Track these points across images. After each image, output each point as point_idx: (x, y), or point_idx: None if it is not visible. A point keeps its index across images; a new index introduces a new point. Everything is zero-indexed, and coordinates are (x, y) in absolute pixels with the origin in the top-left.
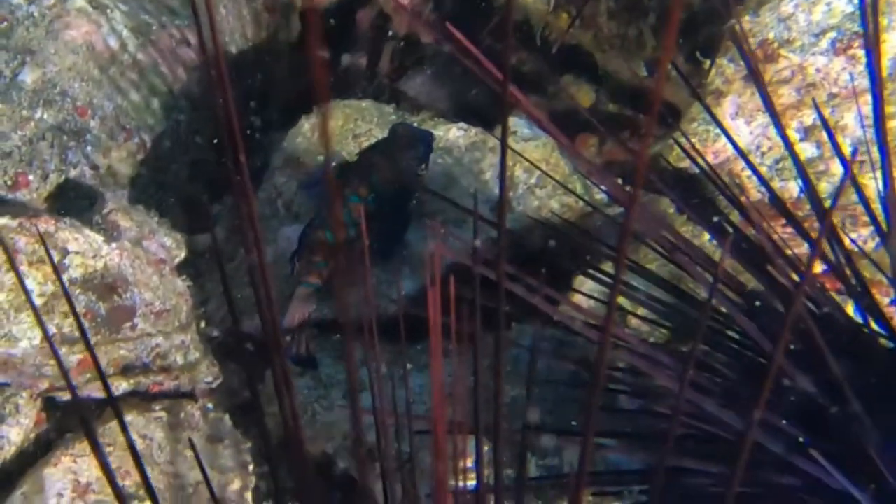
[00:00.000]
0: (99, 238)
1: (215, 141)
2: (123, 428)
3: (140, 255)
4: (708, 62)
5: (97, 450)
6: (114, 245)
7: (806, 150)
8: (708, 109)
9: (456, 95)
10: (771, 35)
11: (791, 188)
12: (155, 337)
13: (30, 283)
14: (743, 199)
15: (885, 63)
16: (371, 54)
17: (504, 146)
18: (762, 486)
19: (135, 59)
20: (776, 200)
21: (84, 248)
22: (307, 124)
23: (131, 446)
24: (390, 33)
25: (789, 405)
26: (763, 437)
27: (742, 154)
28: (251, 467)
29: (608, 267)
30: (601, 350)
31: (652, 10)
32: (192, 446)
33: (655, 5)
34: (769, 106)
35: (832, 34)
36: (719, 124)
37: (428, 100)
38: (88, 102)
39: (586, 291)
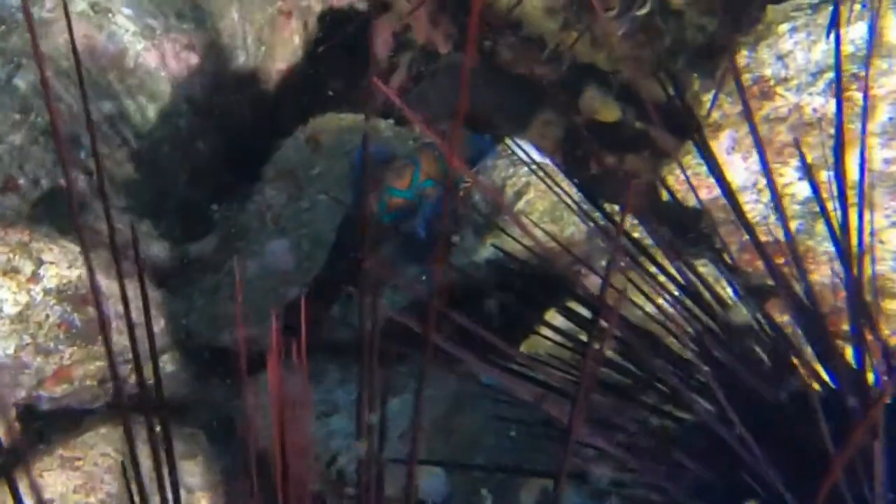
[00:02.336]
0: (75, 248)
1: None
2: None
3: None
4: (707, 96)
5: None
6: (90, 255)
7: (804, 189)
8: (699, 145)
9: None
10: (768, 72)
11: (789, 228)
12: (132, 347)
13: (3, 293)
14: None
15: (884, 107)
16: (388, 63)
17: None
18: None
19: (136, 62)
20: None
21: (59, 258)
22: (301, 136)
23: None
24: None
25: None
26: None
27: (725, 192)
28: (222, 487)
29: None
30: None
31: (668, 32)
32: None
33: (672, 28)
34: (756, 136)
35: (830, 75)
36: (708, 162)
37: (437, 110)
38: (84, 107)
39: (557, 325)
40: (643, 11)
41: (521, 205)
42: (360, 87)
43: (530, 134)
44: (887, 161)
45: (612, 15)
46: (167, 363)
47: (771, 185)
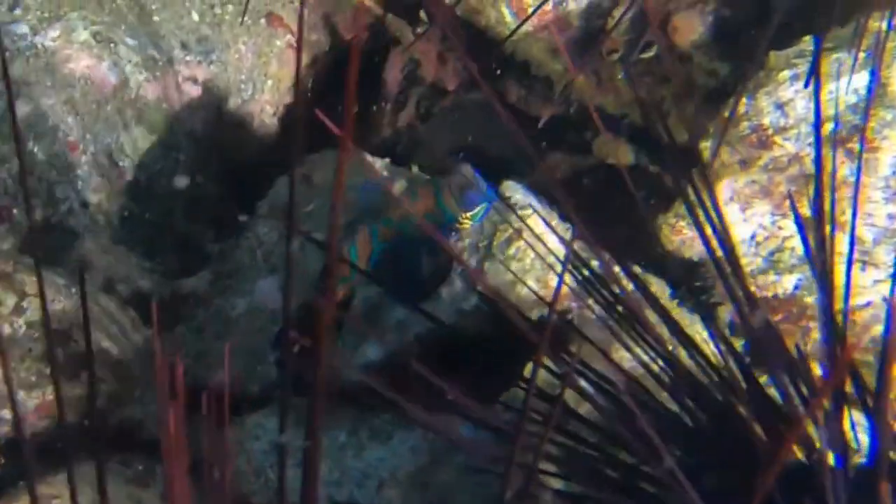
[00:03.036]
0: (59, 281)
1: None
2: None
3: (102, 302)
4: (706, 144)
5: None
6: (73, 290)
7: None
8: (697, 194)
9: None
10: (766, 121)
11: (786, 283)
12: (111, 385)
13: None
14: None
15: (886, 160)
16: (397, 99)
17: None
18: None
19: (136, 94)
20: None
21: (43, 291)
22: (297, 173)
23: None
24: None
25: None
26: None
27: (709, 249)
28: None
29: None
30: None
31: (674, 76)
32: None
33: (679, 71)
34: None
35: (829, 125)
36: (706, 210)
37: (444, 148)
38: (82, 137)
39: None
40: (648, 55)
41: (510, 251)
42: (367, 123)
43: (537, 175)
44: (891, 217)
45: (616, 58)
46: (151, 400)
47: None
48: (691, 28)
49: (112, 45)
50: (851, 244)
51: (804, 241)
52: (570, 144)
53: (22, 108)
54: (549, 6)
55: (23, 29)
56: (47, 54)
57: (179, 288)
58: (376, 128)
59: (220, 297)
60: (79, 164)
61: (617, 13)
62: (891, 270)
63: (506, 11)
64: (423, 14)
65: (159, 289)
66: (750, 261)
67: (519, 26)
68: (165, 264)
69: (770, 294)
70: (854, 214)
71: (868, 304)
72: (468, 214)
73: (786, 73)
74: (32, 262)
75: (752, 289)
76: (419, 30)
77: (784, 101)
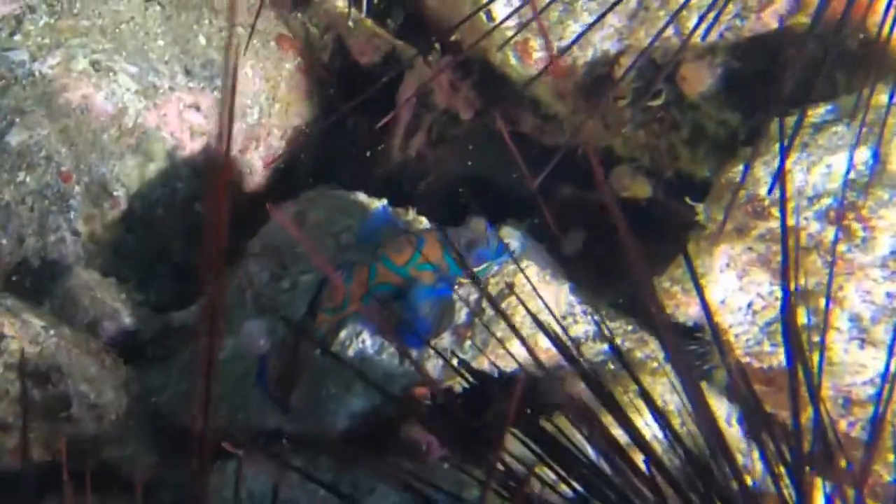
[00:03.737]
0: (38, 323)
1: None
2: None
3: (80, 344)
4: (700, 207)
5: None
6: (52, 332)
7: (801, 316)
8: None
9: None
10: (762, 191)
11: (781, 354)
12: (90, 427)
13: None
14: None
15: (884, 240)
16: (409, 124)
17: None
18: None
19: (135, 122)
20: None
21: (21, 332)
22: (291, 209)
23: None
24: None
25: None
26: None
27: (709, 316)
28: None
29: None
30: None
31: (685, 124)
32: None
33: (689, 120)
34: None
35: (828, 200)
36: (696, 282)
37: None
38: (75, 167)
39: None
40: (656, 102)
41: (502, 306)
42: (378, 148)
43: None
44: (890, 295)
45: (623, 104)
46: (130, 442)
47: None
48: (700, 79)
49: (111, 73)
50: (825, 328)
51: (784, 323)
52: (580, 173)
53: (15, 138)
54: (554, 51)
55: (22, 56)
56: (45, 82)
57: (170, 321)
58: (386, 153)
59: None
60: (71, 193)
61: (623, 60)
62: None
63: (510, 54)
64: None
65: (147, 324)
66: (745, 330)
67: (533, 78)
68: (160, 295)
69: (765, 365)
70: (828, 299)
71: (867, 382)
72: (474, 271)
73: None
74: (11, 303)
75: (746, 359)
76: (430, 58)
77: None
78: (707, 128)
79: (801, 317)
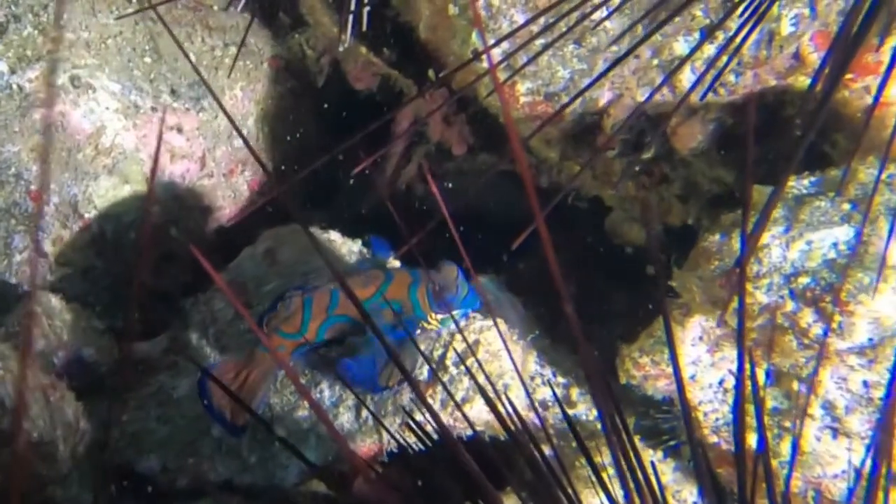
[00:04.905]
0: None
1: None
2: None
3: (31, 375)
4: (676, 272)
5: None
6: None
7: (772, 398)
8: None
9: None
10: None
11: (750, 438)
12: (33, 466)
13: None
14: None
15: (862, 326)
16: (401, 155)
17: None
18: None
19: (113, 142)
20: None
21: None
22: (262, 247)
23: None
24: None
25: None
26: None
27: (681, 390)
28: None
29: None
30: None
31: (677, 179)
32: None
33: (681, 175)
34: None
35: (805, 279)
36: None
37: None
38: (46, 186)
39: None
40: (646, 156)
41: (462, 367)
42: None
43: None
44: (867, 384)
45: (612, 155)
46: (74, 482)
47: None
48: (691, 135)
49: (91, 91)
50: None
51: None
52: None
53: None
54: (539, 98)
55: (1, 67)
56: (21, 96)
57: (133, 352)
58: (376, 185)
59: (166, 371)
60: (40, 213)
61: (613, 110)
62: (865, 441)
63: (498, 97)
64: (431, 73)
65: (107, 355)
66: (715, 408)
67: (531, 136)
68: (127, 322)
69: (733, 447)
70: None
71: (838, 475)
72: (438, 317)
73: None
74: None
75: (713, 439)
76: (425, 89)
77: (759, 246)
78: (700, 184)
79: (772, 401)
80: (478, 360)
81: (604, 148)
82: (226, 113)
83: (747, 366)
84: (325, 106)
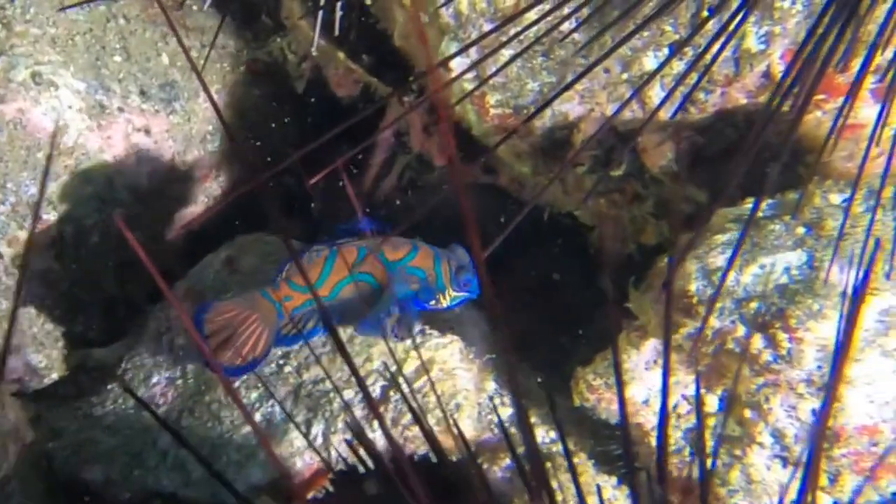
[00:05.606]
0: None
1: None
2: None
3: None
4: (633, 294)
5: None
6: None
7: (722, 425)
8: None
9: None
10: (692, 287)
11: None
12: None
13: None
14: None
15: (811, 353)
16: (384, 164)
17: None
18: None
19: (76, 142)
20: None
21: None
22: (223, 255)
23: None
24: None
25: None
26: None
27: (623, 415)
28: None
29: None
30: None
31: (650, 196)
32: None
33: (653, 193)
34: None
35: (755, 304)
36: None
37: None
38: (2, 185)
39: None
40: (616, 173)
41: (418, 384)
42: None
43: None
44: (815, 413)
45: (582, 171)
46: (16, 494)
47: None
48: (660, 152)
49: (53, 88)
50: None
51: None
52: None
53: None
54: (509, 110)
55: None
56: None
57: (87, 358)
58: (358, 189)
59: (120, 380)
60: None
61: (583, 125)
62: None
63: (469, 108)
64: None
65: (60, 361)
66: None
67: (496, 147)
68: (87, 326)
69: (684, 474)
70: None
71: None
72: (453, 294)
73: (719, 238)
74: None
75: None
76: (406, 98)
77: (713, 269)
78: (673, 202)
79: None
80: (431, 382)
81: (572, 163)
82: (212, 101)
83: (691, 392)
84: (307, 111)
